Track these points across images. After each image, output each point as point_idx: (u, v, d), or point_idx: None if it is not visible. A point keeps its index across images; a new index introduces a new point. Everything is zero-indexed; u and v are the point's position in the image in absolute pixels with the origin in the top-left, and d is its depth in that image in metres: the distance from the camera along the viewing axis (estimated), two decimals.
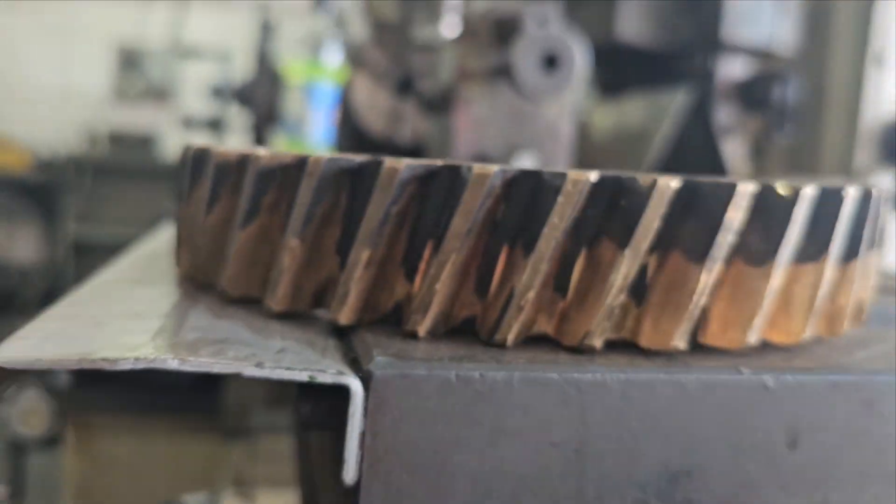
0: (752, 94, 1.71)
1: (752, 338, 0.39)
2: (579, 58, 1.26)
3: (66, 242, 5.84)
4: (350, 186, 0.39)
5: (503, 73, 1.33)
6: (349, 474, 0.33)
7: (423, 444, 0.33)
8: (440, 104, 1.54)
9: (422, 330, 0.37)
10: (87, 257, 5.20)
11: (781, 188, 0.39)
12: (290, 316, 0.41)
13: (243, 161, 0.42)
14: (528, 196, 0.37)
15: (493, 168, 0.36)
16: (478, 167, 0.36)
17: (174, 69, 5.30)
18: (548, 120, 1.50)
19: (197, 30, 5.02)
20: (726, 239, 0.38)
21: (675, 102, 1.64)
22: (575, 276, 0.38)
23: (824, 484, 0.39)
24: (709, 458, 0.37)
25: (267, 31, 2.64)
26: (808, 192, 0.39)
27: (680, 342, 0.38)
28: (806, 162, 1.88)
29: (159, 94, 5.93)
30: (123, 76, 6.05)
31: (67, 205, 5.81)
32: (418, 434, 0.33)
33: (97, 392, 1.87)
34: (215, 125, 3.03)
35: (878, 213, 0.45)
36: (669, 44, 1.59)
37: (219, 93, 2.68)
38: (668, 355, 0.39)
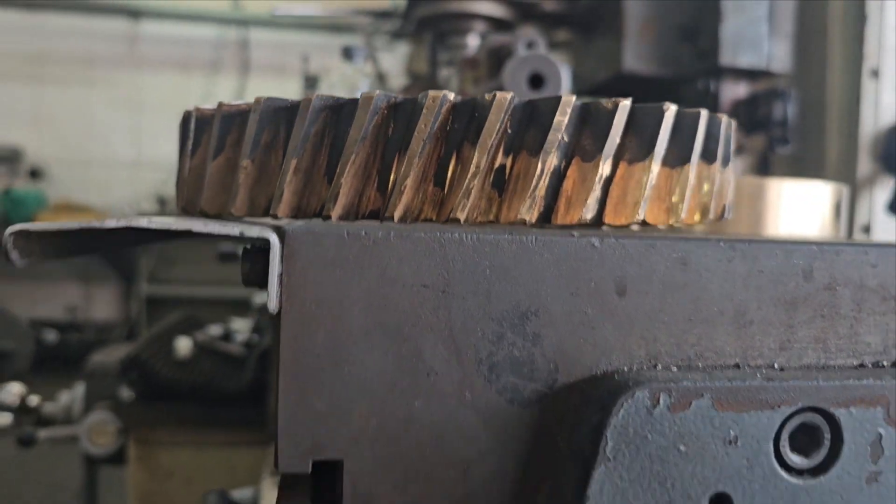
0: (755, 112, 1.82)
1: (588, 215, 0.51)
2: (564, 77, 1.40)
3: (140, 300, 6.19)
4: (285, 119, 0.53)
5: None
6: (272, 304, 0.46)
7: (325, 283, 0.47)
8: None
9: (333, 216, 0.51)
10: (159, 311, 5.50)
11: (605, 102, 0.52)
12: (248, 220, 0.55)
13: (214, 111, 0.57)
14: (407, 114, 0.50)
15: (378, 93, 0.50)
16: (365, 94, 0.50)
17: None
18: None
19: (255, 95, 5.35)
20: (556, 137, 0.50)
21: None
22: (449, 173, 0.51)
23: (653, 325, 0.51)
24: (552, 301, 0.49)
25: (311, 84, 2.87)
26: (626, 103, 0.52)
27: (527, 216, 0.50)
28: (810, 173, 1.95)
29: None
30: None
31: (140, 265, 6.17)
32: (321, 276, 0.47)
33: (157, 409, 2.04)
34: None
35: (714, 132, 0.57)
36: (673, 71, 1.71)
37: None
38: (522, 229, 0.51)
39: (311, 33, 5.60)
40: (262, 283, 0.48)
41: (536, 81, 1.41)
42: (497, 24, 1.87)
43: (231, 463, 2.08)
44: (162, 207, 6.21)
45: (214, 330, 2.26)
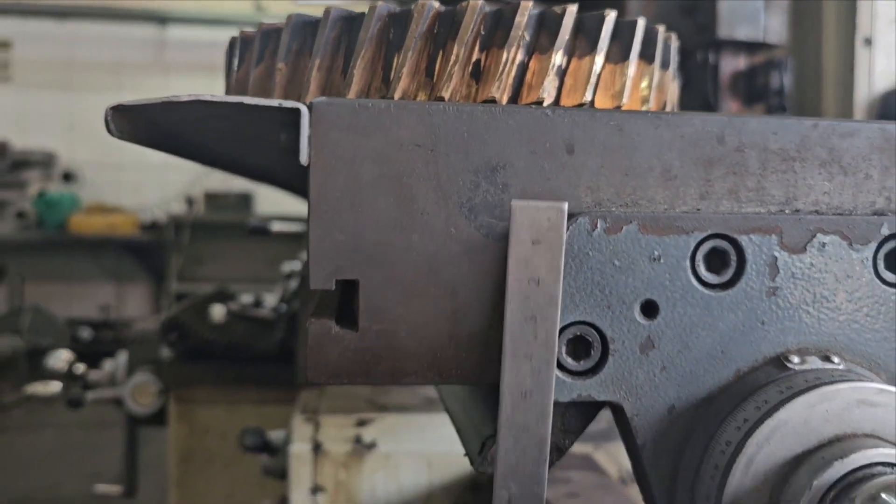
0: (753, 83, 1.94)
1: (546, 97, 0.66)
2: None
3: (170, 297, 6.40)
4: (311, 31, 0.69)
5: None
6: (303, 158, 0.61)
7: (343, 143, 0.62)
8: None
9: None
10: None
11: (556, 8, 0.67)
12: None
13: (256, 32, 0.72)
14: (403, 20, 0.66)
15: (380, 3, 0.65)
16: (371, 4, 0.65)
17: None
18: None
19: None
20: (517, 34, 0.65)
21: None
22: (437, 66, 0.66)
23: (596, 178, 0.65)
24: (515, 158, 0.64)
25: None
26: (573, 8, 0.67)
27: (498, 95, 0.65)
28: None
29: None
30: None
31: (170, 265, 6.40)
32: (340, 138, 0.62)
33: (194, 370, 2.21)
34: None
35: (652, 38, 0.72)
36: None
37: None
38: None
39: None
40: (296, 148, 0.63)
41: None
42: None
43: (263, 419, 2.24)
44: (190, 207, 6.44)
45: (245, 298, 2.43)
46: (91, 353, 5.95)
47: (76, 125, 6.76)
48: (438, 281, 0.64)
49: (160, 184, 6.78)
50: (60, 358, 2.40)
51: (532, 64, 0.66)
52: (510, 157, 0.64)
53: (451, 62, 0.65)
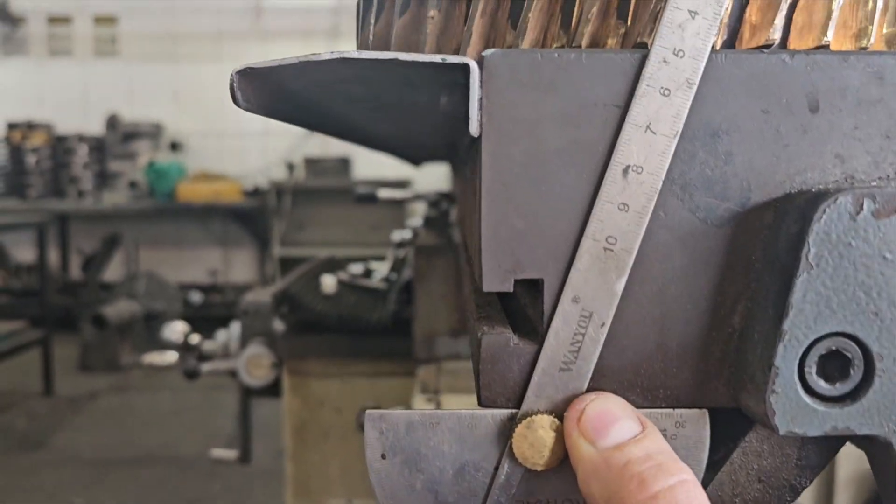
0: None
1: (775, 36, 0.51)
2: None
3: (274, 262, 6.51)
4: None
5: None
6: (473, 127, 0.49)
7: (521, 104, 0.49)
8: None
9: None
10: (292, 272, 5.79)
11: None
12: None
13: None
14: None
15: None
16: None
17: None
18: None
19: None
20: None
21: None
22: (632, 5, 0.52)
23: (848, 143, 0.50)
24: (743, 119, 0.49)
25: None
26: None
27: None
28: None
29: None
30: None
31: (273, 230, 6.49)
32: (518, 97, 0.49)
33: (307, 342, 2.16)
34: None
35: None
36: None
37: None
38: None
39: None
40: (460, 112, 0.50)
41: None
42: None
43: (376, 393, 2.17)
44: (290, 172, 6.48)
45: (355, 269, 2.36)
46: (201, 318, 6.12)
47: (180, 95, 6.90)
48: (643, 278, 0.50)
49: (261, 150, 6.86)
50: (176, 330, 2.40)
51: None
52: (736, 118, 0.50)
53: (653, 2, 0.50)
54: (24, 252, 6.38)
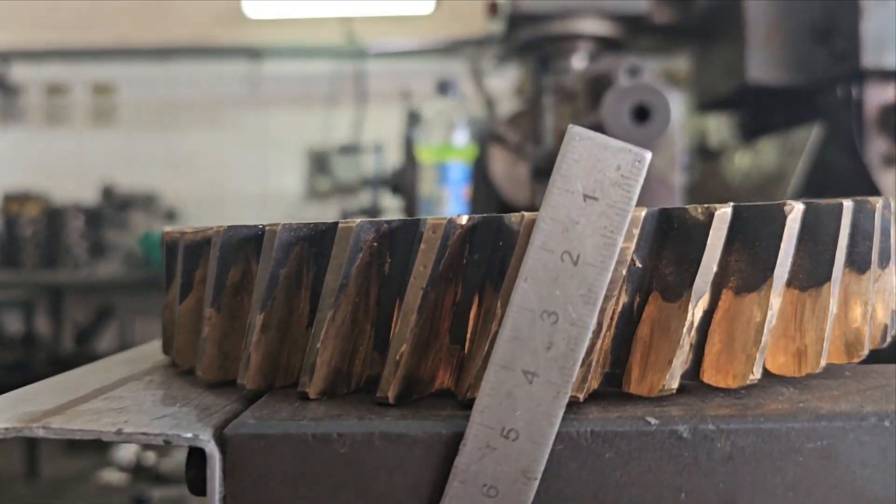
0: None
1: (673, 382, 0.34)
2: (675, 107, 1.21)
3: None
4: (256, 252, 0.40)
5: (599, 130, 1.30)
6: None
7: None
8: (546, 169, 1.54)
9: (312, 391, 0.37)
10: None
11: (692, 209, 0.35)
12: (223, 384, 0.42)
13: (178, 237, 0.44)
14: (407, 244, 0.36)
15: (361, 222, 0.36)
16: (343, 224, 0.36)
17: (356, 166, 5.65)
18: (657, 172, 1.44)
19: (372, 125, 5.37)
20: (619, 273, 0.34)
21: (808, 138, 1.53)
22: (470, 326, 0.36)
23: None
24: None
25: (413, 120, 2.78)
26: (724, 211, 0.35)
27: (578, 391, 0.34)
28: None
29: (346, 189, 6.30)
30: (314, 176, 6.59)
31: None
32: (281, 498, 0.33)
33: None
34: (372, 214, 3.20)
35: (864, 226, 0.39)
36: (807, 79, 1.50)
37: (370, 183, 2.85)
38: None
39: (424, 60, 5.57)
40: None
41: (641, 114, 1.23)
42: (604, 44, 1.68)
43: None
44: None
45: None
46: None
47: (177, 163, 6.85)
48: None
49: (258, 216, 6.76)
50: (129, 450, 2.24)
51: (649, 313, 0.35)
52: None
53: (493, 322, 0.34)
54: (16, 324, 6.27)
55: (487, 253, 0.35)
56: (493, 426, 0.31)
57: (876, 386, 0.39)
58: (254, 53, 6.51)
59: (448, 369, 0.36)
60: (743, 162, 1.75)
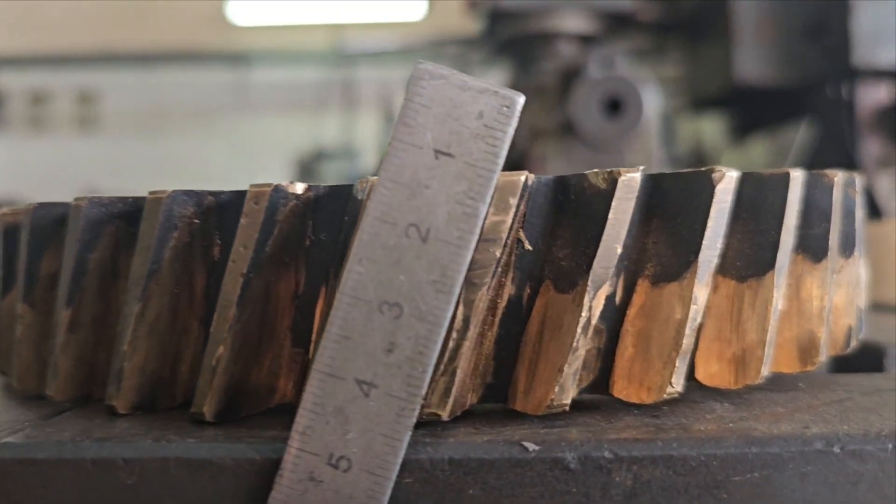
0: None
1: (565, 396, 0.27)
2: (648, 99, 1.14)
3: None
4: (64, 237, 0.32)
5: (568, 125, 1.23)
6: None
7: None
8: (519, 167, 1.47)
9: (121, 405, 0.29)
10: None
11: (592, 175, 0.28)
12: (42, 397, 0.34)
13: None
14: (237, 224, 0.28)
15: (175, 192, 0.28)
16: (153, 193, 0.28)
17: (344, 171, 5.59)
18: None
19: (363, 131, 5.31)
20: (493, 254, 0.27)
21: (797, 138, 1.47)
22: (316, 324, 0.29)
23: None
24: None
25: (391, 123, 2.71)
26: (631, 176, 0.27)
27: (440, 409, 0.27)
28: None
29: None
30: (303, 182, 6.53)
31: None
32: None
33: None
34: None
35: (821, 201, 0.32)
36: (796, 79, 1.45)
37: None
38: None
39: (411, 65, 5.50)
40: None
41: (613, 107, 1.16)
42: (587, 43, 1.61)
43: None
44: None
45: None
46: None
47: (167, 170, 6.78)
48: None
49: None
50: None
51: (539, 307, 0.28)
52: None
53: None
54: None
55: (336, 232, 0.28)
56: (318, 452, 0.24)
57: (833, 401, 0.32)
58: (240, 60, 6.45)
59: (291, 378, 0.29)
60: (731, 164, 1.69)
